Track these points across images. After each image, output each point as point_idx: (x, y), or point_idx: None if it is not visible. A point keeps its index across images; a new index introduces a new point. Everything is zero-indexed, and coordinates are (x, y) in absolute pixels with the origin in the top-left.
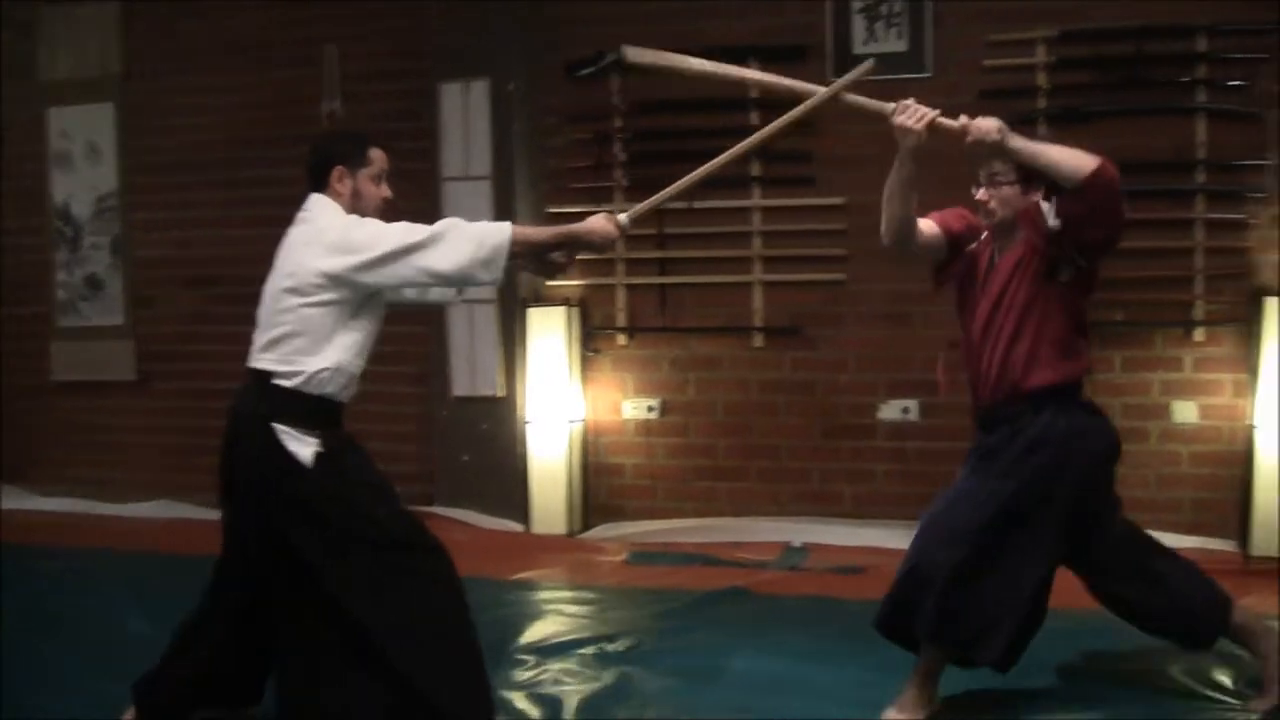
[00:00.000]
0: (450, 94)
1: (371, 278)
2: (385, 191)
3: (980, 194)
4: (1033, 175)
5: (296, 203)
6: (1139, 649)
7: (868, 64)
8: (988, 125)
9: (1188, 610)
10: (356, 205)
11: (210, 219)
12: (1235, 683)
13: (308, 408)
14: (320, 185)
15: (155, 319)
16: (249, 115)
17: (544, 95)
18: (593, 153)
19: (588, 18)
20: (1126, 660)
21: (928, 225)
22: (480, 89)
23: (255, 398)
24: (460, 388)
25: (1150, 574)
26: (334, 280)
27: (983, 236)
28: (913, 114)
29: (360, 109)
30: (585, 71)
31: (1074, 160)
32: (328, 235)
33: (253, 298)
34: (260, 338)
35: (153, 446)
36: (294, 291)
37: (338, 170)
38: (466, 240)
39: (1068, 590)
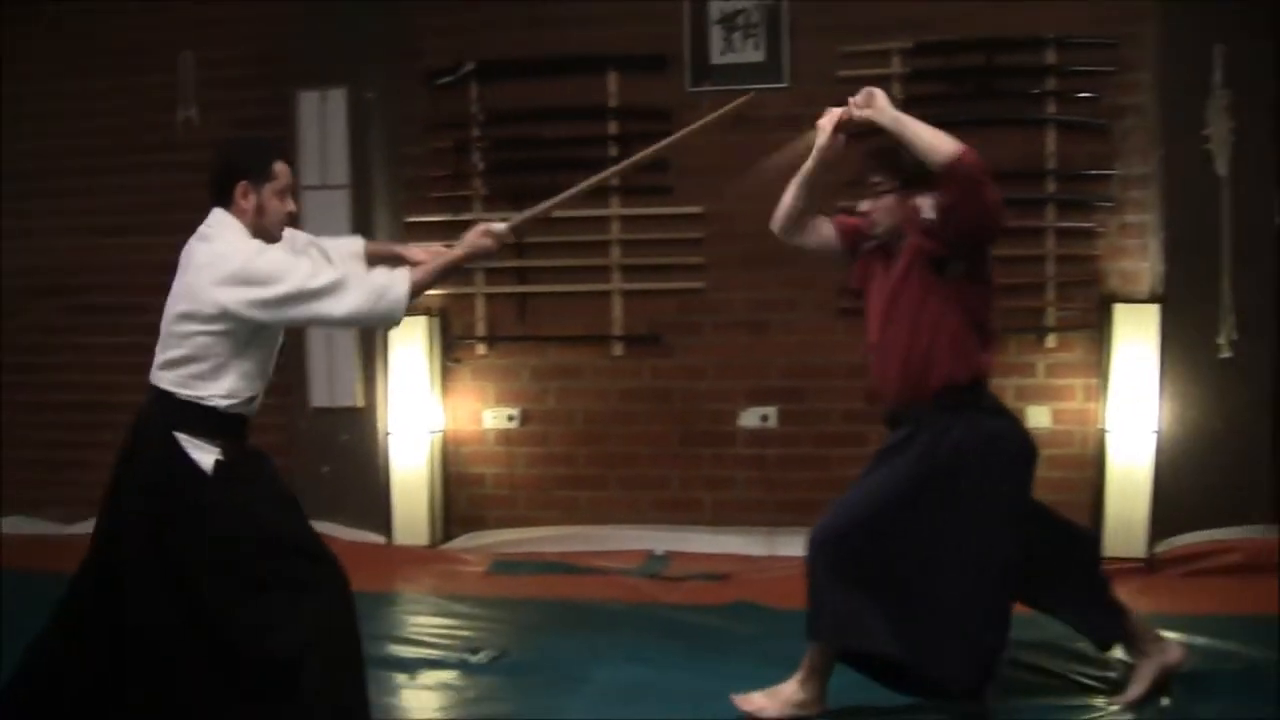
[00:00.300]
0: (308, 102)
1: (265, 315)
2: (290, 206)
3: (864, 205)
4: (911, 182)
5: (153, 211)
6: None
7: (749, 95)
8: (864, 92)
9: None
10: (260, 222)
11: (63, 227)
12: (1101, 682)
13: (210, 423)
14: (223, 199)
15: (7, 330)
16: (103, 122)
17: (402, 104)
18: (451, 161)
19: (446, 27)
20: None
21: (825, 224)
22: (338, 97)
23: (157, 409)
24: (319, 398)
25: (1046, 575)
26: (228, 313)
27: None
28: (831, 119)
29: (217, 116)
30: (445, 80)
31: (937, 143)
32: (229, 264)
33: (108, 308)
34: (160, 354)
35: (6, 461)
36: (190, 317)
37: (242, 186)
38: (367, 292)
39: None
